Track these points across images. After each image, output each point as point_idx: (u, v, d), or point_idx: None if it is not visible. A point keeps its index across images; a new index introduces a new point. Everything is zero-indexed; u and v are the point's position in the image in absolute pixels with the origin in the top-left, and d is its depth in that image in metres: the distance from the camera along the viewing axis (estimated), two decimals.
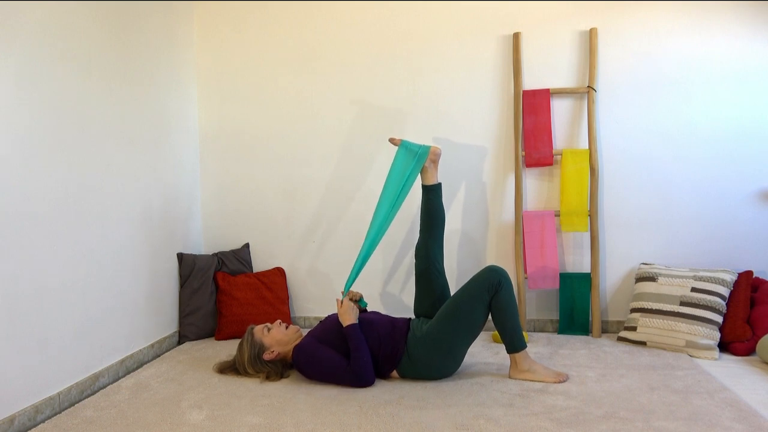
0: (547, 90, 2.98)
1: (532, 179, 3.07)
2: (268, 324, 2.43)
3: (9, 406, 1.86)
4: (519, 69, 3.00)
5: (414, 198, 3.13)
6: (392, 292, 3.21)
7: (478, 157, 3.09)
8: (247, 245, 3.29)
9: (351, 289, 2.51)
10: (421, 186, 2.64)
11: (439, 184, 2.61)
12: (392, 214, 2.56)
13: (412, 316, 3.01)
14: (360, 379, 2.19)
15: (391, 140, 2.65)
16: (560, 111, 3.03)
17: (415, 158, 2.57)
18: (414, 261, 2.64)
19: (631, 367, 2.39)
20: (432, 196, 2.59)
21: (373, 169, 3.18)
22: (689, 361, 2.45)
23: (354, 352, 2.22)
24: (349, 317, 2.30)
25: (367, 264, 3.19)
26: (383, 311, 3.17)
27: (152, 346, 2.72)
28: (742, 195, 2.90)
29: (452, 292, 2.54)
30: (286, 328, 2.42)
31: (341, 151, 3.21)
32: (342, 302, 2.36)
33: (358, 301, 2.48)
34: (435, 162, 2.61)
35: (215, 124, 3.31)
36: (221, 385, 2.28)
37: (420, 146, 2.59)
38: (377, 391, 2.17)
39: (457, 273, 3.10)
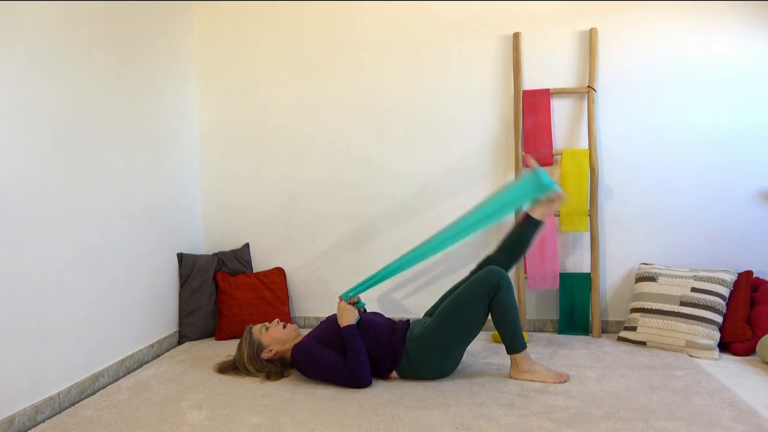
0: (547, 90, 2.98)
1: None
2: (266, 323, 2.44)
3: (9, 406, 1.86)
4: (519, 69, 3.00)
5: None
6: (392, 295, 3.21)
7: (479, 157, 3.09)
8: (247, 245, 3.29)
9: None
10: (522, 212, 2.43)
11: (543, 222, 2.45)
12: (466, 233, 2.36)
13: (411, 317, 3.01)
14: (356, 379, 2.19)
15: (527, 161, 2.38)
16: (560, 111, 3.03)
17: (539, 190, 2.31)
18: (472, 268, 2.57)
19: (631, 367, 2.39)
20: (532, 228, 2.44)
21: (373, 169, 3.18)
22: (689, 361, 2.45)
23: (351, 353, 2.22)
24: (346, 318, 2.31)
25: (371, 267, 3.18)
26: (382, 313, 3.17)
27: (152, 346, 2.72)
28: (742, 195, 2.90)
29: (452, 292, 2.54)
30: (284, 327, 2.43)
31: (341, 150, 3.21)
32: (340, 302, 2.37)
33: (356, 303, 2.47)
34: (554, 203, 2.39)
35: (215, 123, 3.31)
36: (221, 385, 2.28)
37: (552, 182, 2.34)
38: (377, 391, 2.17)
39: (456, 274, 3.10)
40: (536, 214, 2.41)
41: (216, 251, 3.27)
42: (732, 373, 2.29)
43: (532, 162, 2.38)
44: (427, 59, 3.11)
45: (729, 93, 2.89)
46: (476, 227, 2.33)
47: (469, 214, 2.36)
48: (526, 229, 2.44)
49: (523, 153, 2.36)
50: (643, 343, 2.70)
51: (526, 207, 2.46)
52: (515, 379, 2.26)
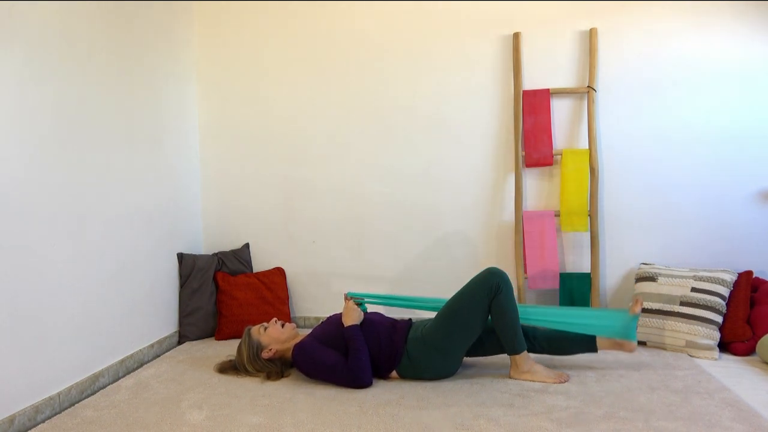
0: (547, 90, 2.98)
1: (532, 179, 3.07)
2: (265, 323, 2.45)
3: (9, 406, 1.86)
4: (519, 69, 3.00)
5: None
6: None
7: (478, 157, 3.09)
8: (247, 245, 3.29)
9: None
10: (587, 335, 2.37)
11: (597, 352, 2.39)
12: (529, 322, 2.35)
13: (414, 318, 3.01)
14: (357, 380, 2.19)
15: (636, 304, 2.29)
16: (560, 111, 3.03)
17: (622, 333, 2.29)
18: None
19: (631, 367, 2.39)
20: (585, 349, 2.37)
21: (372, 168, 3.18)
22: (689, 361, 2.45)
23: (353, 353, 2.22)
24: (351, 318, 2.31)
25: (371, 267, 3.19)
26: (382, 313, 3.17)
27: (152, 346, 2.72)
28: (742, 195, 2.90)
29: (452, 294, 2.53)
30: (282, 326, 2.43)
31: (341, 151, 3.21)
32: (347, 302, 2.37)
33: (360, 305, 2.48)
34: (622, 348, 2.32)
35: (215, 123, 3.31)
36: (221, 385, 2.28)
37: (635, 334, 2.32)
38: (377, 391, 2.17)
39: (456, 274, 3.09)
40: (600, 345, 2.34)
41: (216, 251, 3.27)
42: (732, 373, 2.29)
43: (639, 308, 2.30)
44: (427, 59, 3.11)
45: (729, 92, 2.89)
46: (542, 323, 2.35)
47: (544, 310, 2.38)
48: (580, 346, 2.36)
49: (636, 294, 2.23)
50: (643, 343, 2.70)
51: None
52: (515, 379, 2.26)
